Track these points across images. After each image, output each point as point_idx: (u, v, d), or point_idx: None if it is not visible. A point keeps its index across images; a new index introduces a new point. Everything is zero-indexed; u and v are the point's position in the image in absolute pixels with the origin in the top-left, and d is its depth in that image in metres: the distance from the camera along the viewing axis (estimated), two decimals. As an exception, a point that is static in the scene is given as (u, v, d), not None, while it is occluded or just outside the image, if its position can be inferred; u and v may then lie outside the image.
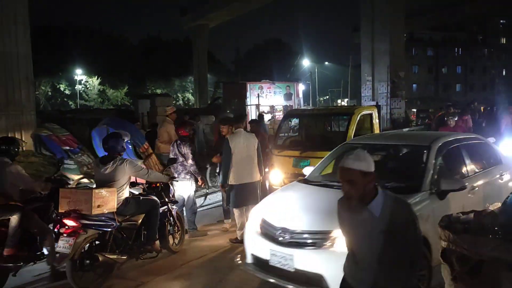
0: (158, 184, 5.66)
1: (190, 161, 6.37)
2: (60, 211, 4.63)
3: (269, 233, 4.19)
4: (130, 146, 7.08)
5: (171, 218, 5.75)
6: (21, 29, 10.83)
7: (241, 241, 6.01)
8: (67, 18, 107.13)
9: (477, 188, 4.75)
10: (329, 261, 3.69)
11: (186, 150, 6.38)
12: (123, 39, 49.84)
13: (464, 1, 30.48)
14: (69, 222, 4.46)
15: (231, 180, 6.02)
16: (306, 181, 5.13)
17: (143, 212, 5.16)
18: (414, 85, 55.77)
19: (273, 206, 4.63)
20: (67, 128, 9.55)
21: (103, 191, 4.62)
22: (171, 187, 5.95)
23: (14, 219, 4.58)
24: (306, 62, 43.15)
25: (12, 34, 10.59)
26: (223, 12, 33.38)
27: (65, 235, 4.42)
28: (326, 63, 50.53)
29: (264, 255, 4.16)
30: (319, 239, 3.84)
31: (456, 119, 8.38)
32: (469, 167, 4.93)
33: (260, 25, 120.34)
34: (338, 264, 3.05)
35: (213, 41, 48.22)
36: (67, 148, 8.47)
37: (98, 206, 4.53)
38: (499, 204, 3.41)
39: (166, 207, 5.65)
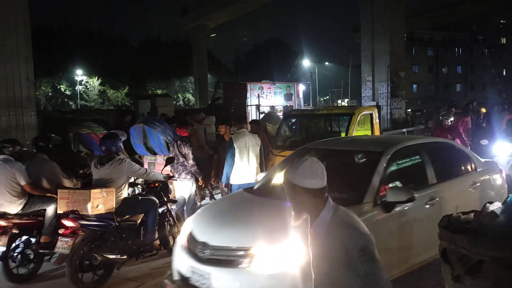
0: (157, 184, 5.67)
1: (191, 162, 6.37)
2: (58, 212, 4.72)
3: (191, 247, 3.72)
4: (162, 141, 7.33)
5: (171, 218, 5.74)
6: (22, 30, 10.84)
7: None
8: (67, 19, 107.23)
9: (437, 199, 4.26)
10: (245, 283, 3.27)
11: (186, 150, 6.39)
12: (124, 40, 49.94)
13: (464, 1, 30.50)
14: (68, 223, 4.51)
15: (234, 180, 6.03)
16: (251, 190, 4.68)
17: (142, 212, 5.20)
18: (414, 85, 55.77)
19: (203, 216, 4.15)
20: (68, 129, 9.67)
21: (102, 191, 4.64)
22: (170, 186, 5.96)
23: (50, 209, 5.07)
24: (306, 62, 43.18)
25: (13, 35, 10.60)
26: (222, 12, 33.40)
27: (64, 235, 4.49)
28: (326, 63, 50.60)
29: (186, 271, 3.66)
30: (236, 257, 3.38)
31: (451, 119, 8.00)
32: (429, 175, 4.39)
33: (260, 25, 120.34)
34: (255, 287, 2.76)
35: (213, 41, 48.16)
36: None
37: (97, 206, 4.56)
38: (499, 204, 3.42)
39: (165, 207, 5.66)
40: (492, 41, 59.55)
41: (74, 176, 5.80)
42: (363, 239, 1.91)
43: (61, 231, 4.59)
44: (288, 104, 19.20)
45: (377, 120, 8.10)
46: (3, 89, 10.56)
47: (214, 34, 43.50)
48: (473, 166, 5.05)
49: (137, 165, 5.31)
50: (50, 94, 41.87)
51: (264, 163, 6.59)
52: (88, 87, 42.91)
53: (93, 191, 4.56)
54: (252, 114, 17.43)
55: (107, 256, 4.66)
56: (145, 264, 5.33)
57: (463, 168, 5.00)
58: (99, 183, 4.93)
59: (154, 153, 7.64)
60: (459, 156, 5.10)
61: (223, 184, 6.17)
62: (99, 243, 4.73)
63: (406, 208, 3.90)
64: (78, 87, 42.04)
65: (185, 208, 6.62)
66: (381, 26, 18.73)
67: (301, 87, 22.68)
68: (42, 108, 36.55)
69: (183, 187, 6.47)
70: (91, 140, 9.13)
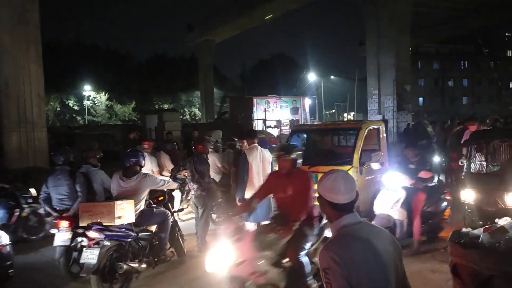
0: (162, 198, 5.95)
1: (206, 179, 6.47)
2: (81, 224, 4.90)
3: None
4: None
5: (176, 228, 6.01)
6: (33, 48, 11.08)
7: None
8: (75, 35, 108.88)
9: None
10: None
11: (202, 167, 6.46)
12: (131, 56, 50.59)
13: (469, 14, 30.62)
14: (93, 234, 4.70)
15: (247, 195, 6.06)
16: None
17: (156, 222, 5.49)
18: (420, 98, 55.68)
19: None
20: (77, 143, 9.85)
21: (124, 203, 4.89)
22: (175, 197, 6.28)
23: None
24: (312, 76, 43.34)
25: (25, 52, 10.83)
26: (228, 28, 33.77)
27: (89, 246, 4.68)
28: (332, 77, 50.69)
29: None
30: None
31: None
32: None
33: (266, 40, 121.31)
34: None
35: (219, 56, 48.66)
36: (274, 146, 10.80)
37: (119, 217, 4.79)
38: (508, 219, 3.43)
39: (173, 217, 5.91)
40: (498, 54, 59.48)
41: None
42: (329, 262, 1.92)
43: (84, 243, 4.84)
44: (294, 118, 19.30)
45: (384, 135, 8.12)
46: (14, 106, 10.75)
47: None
48: None
49: (157, 177, 5.72)
50: (59, 109, 42.28)
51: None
52: (96, 102, 43.32)
53: (116, 202, 4.82)
54: (259, 128, 17.53)
55: (131, 265, 4.89)
56: (160, 274, 5.53)
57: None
58: (123, 195, 5.19)
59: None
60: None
61: (237, 199, 6.21)
62: (121, 253, 4.92)
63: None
64: (86, 102, 42.46)
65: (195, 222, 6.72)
66: (386, 40, 18.82)
67: (307, 101, 22.78)
68: (51, 123, 36.90)
69: (197, 202, 6.55)
70: (266, 143, 11.08)
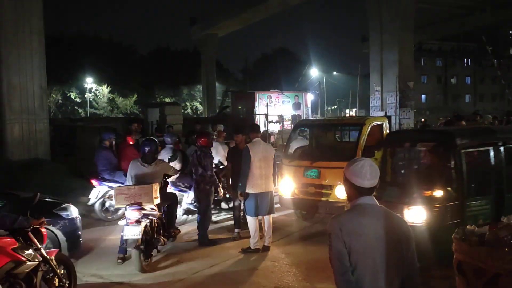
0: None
1: (209, 172, 6.48)
2: (117, 206, 5.91)
3: None
4: None
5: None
6: (36, 40, 11.01)
7: (253, 250, 6.06)
8: (78, 27, 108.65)
9: None
10: None
11: (206, 161, 6.47)
12: (133, 48, 50.41)
13: (473, 12, 30.45)
14: (134, 214, 5.36)
15: (249, 189, 6.06)
16: None
17: (167, 202, 6.26)
18: (423, 95, 55.52)
19: None
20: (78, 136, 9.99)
21: (155, 186, 5.55)
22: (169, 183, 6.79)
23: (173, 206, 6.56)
24: (314, 72, 43.20)
25: (28, 44, 10.77)
26: (232, 22, 33.63)
27: (130, 225, 5.34)
28: (335, 72, 50.51)
29: None
30: None
31: None
32: None
33: (268, 35, 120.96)
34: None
35: (222, 50, 48.56)
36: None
37: (155, 198, 5.52)
38: (515, 217, 3.41)
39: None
40: (501, 52, 59.20)
41: None
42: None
43: (121, 222, 5.64)
44: (296, 114, 19.21)
45: (387, 131, 8.07)
46: (17, 97, 10.70)
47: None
48: None
49: (169, 164, 6.65)
50: (61, 101, 42.26)
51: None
52: (98, 95, 43.27)
53: (153, 185, 5.50)
54: (261, 123, 17.47)
55: (163, 239, 5.77)
56: (155, 273, 5.52)
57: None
58: (143, 179, 5.77)
59: None
60: None
61: (239, 192, 6.20)
62: (152, 228, 5.63)
63: None
64: (88, 95, 42.41)
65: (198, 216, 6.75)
66: (389, 37, 18.69)
67: (309, 97, 22.69)
68: (53, 115, 36.88)
69: (200, 196, 6.57)
70: None
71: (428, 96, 57.07)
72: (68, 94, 42.66)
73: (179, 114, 18.51)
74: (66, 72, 39.50)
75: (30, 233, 3.91)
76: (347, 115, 38.76)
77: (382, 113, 17.79)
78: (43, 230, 4.15)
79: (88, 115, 39.87)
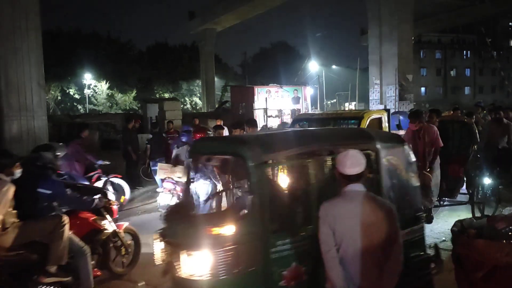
0: None
1: (209, 168, 6.46)
2: (160, 177, 7.66)
3: None
4: None
5: None
6: (33, 36, 10.97)
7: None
8: (76, 23, 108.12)
9: None
10: None
11: None
12: (131, 44, 50.25)
13: (473, 3, 30.34)
14: (169, 185, 7.02)
15: None
16: None
17: None
18: (422, 88, 55.42)
19: None
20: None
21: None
22: None
23: None
24: (313, 66, 43.06)
25: (25, 40, 10.73)
26: (230, 16, 33.51)
27: (165, 193, 7.02)
28: (334, 66, 50.39)
29: None
30: None
31: None
32: None
33: (267, 29, 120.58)
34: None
35: (220, 45, 48.41)
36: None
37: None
38: (513, 209, 3.41)
39: None
40: (501, 44, 59.07)
41: None
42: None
43: (159, 190, 7.40)
44: (295, 108, 19.15)
45: (386, 124, 8.07)
46: (14, 94, 10.68)
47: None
48: None
49: None
50: (59, 98, 42.16)
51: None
52: (97, 91, 43.15)
53: (180, 166, 7.05)
54: (260, 118, 17.44)
55: None
56: (144, 267, 5.52)
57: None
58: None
59: None
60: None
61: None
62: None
63: None
64: (87, 91, 42.31)
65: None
66: (389, 29, 18.64)
67: (309, 91, 22.60)
68: (51, 112, 36.81)
69: (200, 189, 6.56)
70: None
71: (428, 89, 56.99)
72: (67, 91, 42.54)
73: (178, 110, 18.50)
74: (65, 68, 39.36)
75: (101, 209, 4.81)
76: (347, 108, 38.69)
77: (382, 107, 17.77)
78: (113, 206, 5.14)
79: (87, 112, 39.79)
